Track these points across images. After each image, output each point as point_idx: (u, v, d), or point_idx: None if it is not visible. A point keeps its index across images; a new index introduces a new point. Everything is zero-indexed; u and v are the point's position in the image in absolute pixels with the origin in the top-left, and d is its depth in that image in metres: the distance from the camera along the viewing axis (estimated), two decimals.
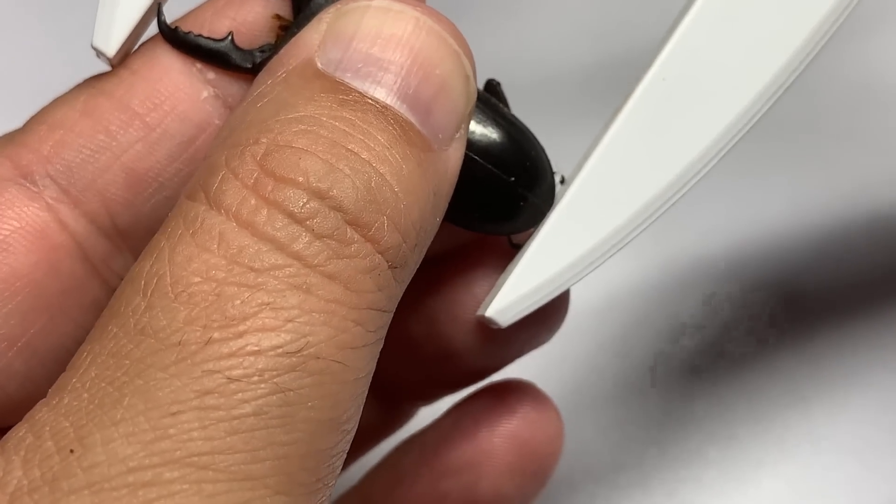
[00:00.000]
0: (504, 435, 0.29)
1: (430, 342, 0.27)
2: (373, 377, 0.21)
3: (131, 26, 0.24)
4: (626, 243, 0.24)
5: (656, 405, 0.39)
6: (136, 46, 0.24)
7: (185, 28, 0.24)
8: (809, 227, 0.41)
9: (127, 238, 0.24)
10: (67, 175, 0.23)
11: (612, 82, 0.25)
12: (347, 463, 0.24)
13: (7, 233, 0.23)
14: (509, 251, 0.26)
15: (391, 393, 0.30)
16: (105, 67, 0.24)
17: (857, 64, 0.43)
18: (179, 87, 0.24)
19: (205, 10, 0.24)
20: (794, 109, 0.37)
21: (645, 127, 0.24)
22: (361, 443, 0.31)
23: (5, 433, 0.21)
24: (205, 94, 0.24)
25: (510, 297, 0.24)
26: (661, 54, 0.24)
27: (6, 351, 0.23)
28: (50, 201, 0.23)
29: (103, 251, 0.24)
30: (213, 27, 0.24)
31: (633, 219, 0.24)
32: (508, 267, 0.25)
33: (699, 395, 0.39)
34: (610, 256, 0.24)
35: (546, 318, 0.27)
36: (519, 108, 0.26)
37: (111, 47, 0.24)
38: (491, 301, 0.24)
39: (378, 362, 0.21)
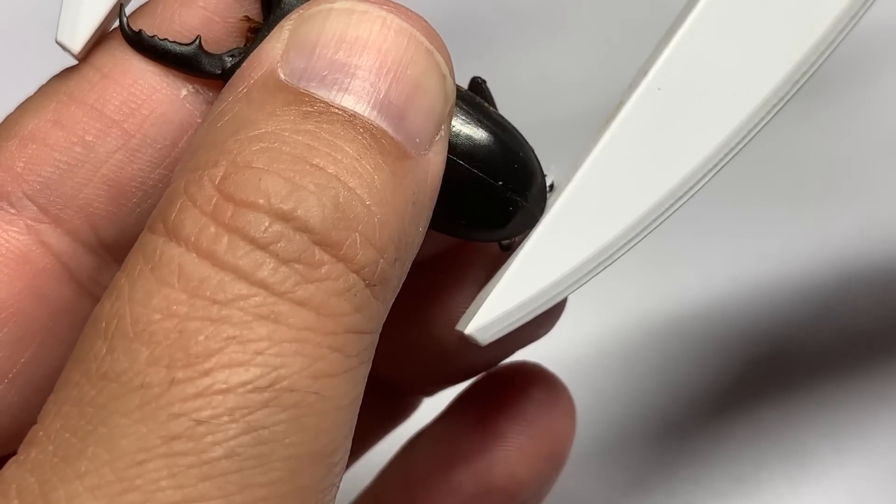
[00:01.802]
0: (516, 419, 0.28)
1: (424, 344, 0.27)
2: (371, 375, 0.20)
3: (98, 20, 0.23)
4: (615, 260, 0.23)
5: (656, 405, 0.38)
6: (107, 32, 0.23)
7: (153, 22, 0.23)
8: (820, 272, 0.40)
9: (114, 251, 0.23)
10: (45, 192, 0.23)
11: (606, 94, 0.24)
12: (352, 461, 0.24)
13: None
14: (501, 253, 0.24)
15: (391, 388, 0.29)
16: (71, 61, 0.23)
17: (862, 105, 0.42)
18: (156, 89, 0.23)
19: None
20: (810, 155, 0.37)
21: (639, 137, 0.23)
22: (366, 438, 0.30)
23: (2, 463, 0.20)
24: (184, 91, 0.23)
25: (491, 313, 0.23)
26: (657, 62, 0.23)
27: None
28: (29, 223, 0.23)
29: (90, 268, 0.23)
30: (184, 19, 0.23)
31: (625, 233, 0.22)
32: (491, 280, 0.23)
33: (699, 395, 0.38)
34: (598, 273, 0.22)
35: (539, 318, 0.25)
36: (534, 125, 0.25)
37: (77, 43, 0.23)
38: (472, 316, 0.23)
39: (374, 361, 0.20)
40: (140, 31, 0.23)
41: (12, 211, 0.23)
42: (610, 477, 0.37)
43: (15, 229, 0.23)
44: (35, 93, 0.23)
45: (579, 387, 0.29)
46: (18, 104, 0.23)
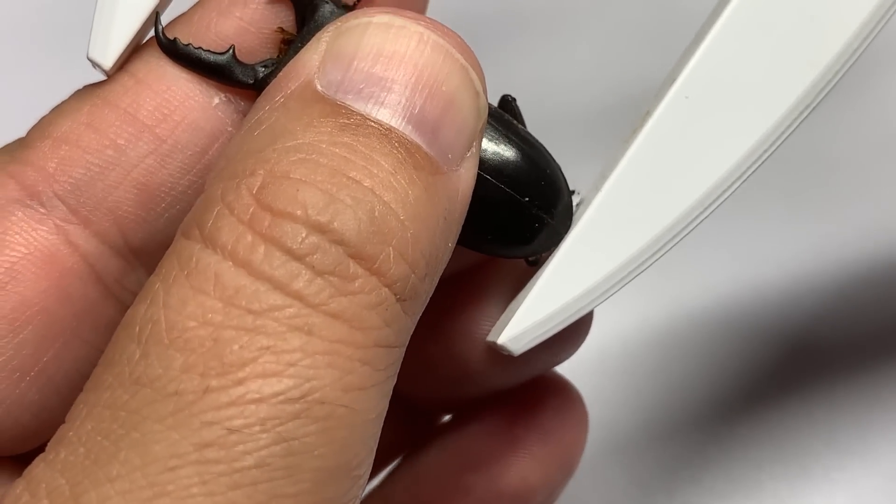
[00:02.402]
0: (530, 425, 0.28)
1: (446, 362, 0.26)
2: (393, 394, 0.20)
3: (129, 36, 0.23)
4: (646, 268, 0.23)
5: (656, 406, 0.38)
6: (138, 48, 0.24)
7: (189, 30, 0.23)
8: (820, 273, 0.40)
9: (140, 255, 0.24)
10: (76, 194, 0.23)
11: (620, 120, 0.24)
12: (371, 476, 0.24)
13: (15, 259, 0.23)
14: (526, 270, 0.24)
15: (411, 405, 0.29)
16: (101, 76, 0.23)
17: (862, 104, 0.42)
18: (189, 96, 0.23)
19: (209, 9, 0.23)
20: (811, 156, 0.37)
21: (667, 146, 0.23)
22: (385, 454, 0.30)
23: (23, 458, 0.20)
24: (216, 100, 0.23)
25: (524, 323, 0.23)
26: (684, 71, 0.23)
27: (19, 381, 0.23)
28: (59, 223, 0.23)
29: (116, 271, 0.23)
30: (220, 28, 0.23)
31: (652, 243, 0.23)
32: (522, 291, 0.24)
33: (699, 395, 0.38)
34: (629, 282, 0.23)
35: (567, 336, 0.25)
36: (536, 127, 0.25)
37: (108, 59, 0.23)
38: (504, 326, 0.23)
39: (401, 384, 0.20)
40: (175, 39, 0.23)
41: (42, 210, 0.23)
42: (610, 477, 0.37)
43: (44, 228, 0.23)
44: (70, 96, 0.23)
45: (580, 387, 0.29)
46: (53, 107, 0.24)
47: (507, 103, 0.24)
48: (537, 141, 0.24)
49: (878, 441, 0.37)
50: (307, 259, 0.19)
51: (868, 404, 0.38)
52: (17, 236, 0.23)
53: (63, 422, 0.19)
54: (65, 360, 0.23)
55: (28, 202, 0.23)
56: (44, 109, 0.24)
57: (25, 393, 0.23)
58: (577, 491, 0.36)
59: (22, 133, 0.24)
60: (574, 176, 0.25)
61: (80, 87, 0.24)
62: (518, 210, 0.23)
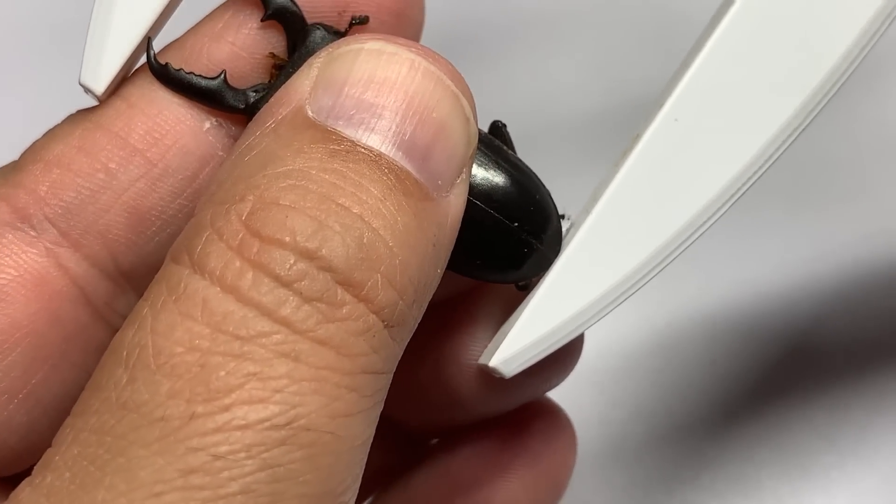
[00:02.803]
0: (518, 449, 0.28)
1: (436, 388, 0.26)
2: (382, 419, 0.20)
3: (121, 62, 0.23)
4: (637, 290, 0.23)
5: (656, 406, 0.38)
6: (130, 73, 0.24)
7: (181, 56, 0.23)
8: (819, 273, 0.40)
9: (130, 278, 0.24)
10: (66, 217, 0.23)
11: (626, 132, 0.24)
12: (357, 502, 0.24)
13: (5, 282, 0.23)
14: (516, 295, 0.24)
15: (400, 431, 0.29)
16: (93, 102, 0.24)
17: (870, 112, 0.42)
18: (180, 120, 0.23)
19: (202, 34, 0.24)
20: (811, 157, 0.37)
21: (657, 168, 0.23)
22: (372, 480, 0.30)
23: (11, 481, 0.20)
24: (207, 125, 0.23)
25: (515, 345, 0.23)
26: (673, 93, 0.23)
27: (7, 404, 0.23)
28: (49, 245, 0.23)
29: (106, 294, 0.23)
30: (212, 54, 0.23)
31: (644, 264, 0.23)
32: (514, 313, 0.24)
33: (699, 396, 0.38)
34: (620, 303, 0.23)
35: (558, 360, 0.25)
36: (531, 155, 0.25)
37: (100, 84, 0.23)
38: (495, 349, 0.23)
39: (386, 405, 0.20)
40: (167, 63, 0.23)
41: (33, 233, 0.23)
42: (610, 477, 0.37)
43: (34, 251, 0.23)
44: (63, 120, 0.24)
45: (579, 387, 0.29)
46: (46, 131, 0.24)
47: (498, 129, 0.25)
48: (527, 167, 0.24)
49: (877, 441, 0.37)
50: (295, 285, 0.19)
51: (868, 405, 0.38)
52: (7, 259, 0.23)
53: (50, 445, 0.19)
54: (53, 382, 0.23)
55: (19, 225, 0.23)
56: (38, 132, 0.24)
57: (13, 415, 0.23)
58: (577, 491, 0.36)
59: (16, 155, 0.24)
60: (568, 185, 0.25)
61: (74, 110, 0.24)
62: (507, 235, 0.23)
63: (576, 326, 0.23)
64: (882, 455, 0.37)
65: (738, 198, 0.23)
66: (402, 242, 0.20)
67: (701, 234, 0.23)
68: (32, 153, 0.23)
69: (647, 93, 0.24)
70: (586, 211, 0.23)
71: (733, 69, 0.23)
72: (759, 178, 0.23)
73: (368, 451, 0.20)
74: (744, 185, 0.23)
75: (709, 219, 0.23)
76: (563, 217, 0.24)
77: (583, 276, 0.23)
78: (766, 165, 0.23)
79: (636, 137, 0.23)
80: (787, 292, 0.40)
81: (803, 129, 0.23)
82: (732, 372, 0.39)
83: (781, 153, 0.23)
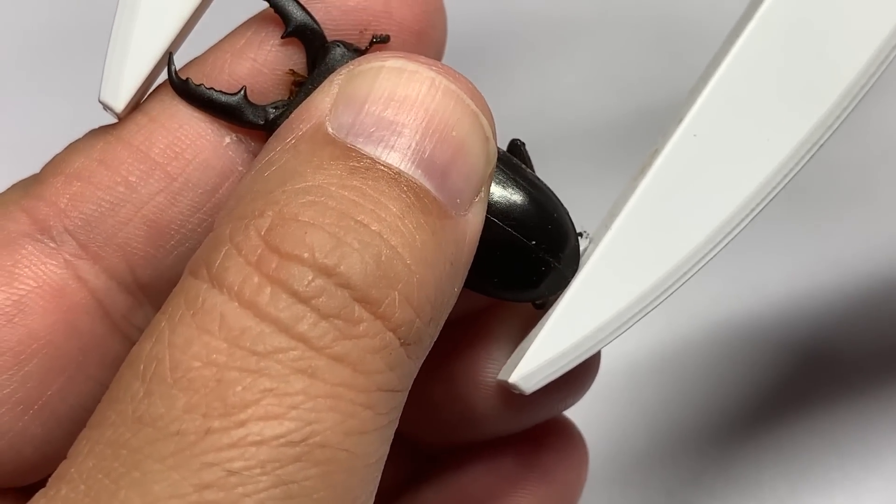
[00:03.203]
0: (530, 466, 0.28)
1: (451, 406, 0.26)
2: (395, 434, 0.20)
3: (141, 79, 0.23)
4: (657, 305, 0.23)
5: (656, 406, 0.38)
6: (151, 89, 0.24)
7: (202, 71, 0.23)
8: (835, 289, 0.40)
9: (149, 292, 0.24)
10: (86, 229, 0.23)
11: (635, 138, 0.24)
12: None
13: (24, 293, 0.23)
14: (533, 313, 0.24)
15: (413, 448, 0.29)
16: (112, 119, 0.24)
17: (879, 119, 0.42)
18: (201, 135, 0.23)
19: (223, 51, 0.24)
20: (819, 165, 0.36)
21: (675, 184, 0.23)
22: (384, 498, 0.30)
23: (26, 490, 0.20)
24: (227, 139, 0.23)
25: (535, 361, 0.23)
26: (692, 108, 0.23)
27: (22, 414, 0.23)
28: (68, 257, 0.23)
29: (124, 307, 0.24)
30: (233, 70, 0.23)
31: (664, 280, 0.23)
32: (533, 329, 0.24)
33: (699, 396, 0.38)
34: (640, 319, 0.23)
35: (574, 379, 0.25)
36: (540, 163, 0.25)
37: (120, 102, 0.23)
38: (515, 365, 0.23)
39: (402, 424, 0.20)
40: (187, 79, 0.23)
41: (52, 245, 0.23)
42: (610, 477, 0.37)
43: (53, 263, 0.23)
44: (85, 134, 0.24)
45: (588, 401, 0.29)
46: (68, 144, 0.24)
47: (516, 147, 0.25)
48: (545, 185, 0.24)
49: (878, 442, 0.37)
50: (313, 302, 0.19)
51: (868, 406, 0.38)
52: (26, 269, 0.23)
53: (65, 457, 0.19)
54: (69, 394, 0.23)
55: (38, 236, 0.23)
56: (60, 146, 0.24)
57: (28, 426, 0.23)
58: None
59: (37, 169, 0.24)
60: (580, 197, 0.25)
61: (97, 124, 0.24)
62: (524, 253, 0.23)
63: (596, 342, 0.23)
64: (882, 456, 0.37)
65: (758, 213, 0.23)
66: (420, 260, 0.20)
67: (720, 250, 0.23)
68: (53, 166, 0.23)
69: (657, 101, 0.24)
70: (605, 226, 0.23)
71: (752, 84, 0.23)
72: (778, 193, 0.23)
73: (383, 468, 0.20)
74: (763, 200, 0.23)
75: (728, 234, 0.23)
76: (581, 235, 0.24)
77: (603, 292, 0.23)
78: (786, 180, 0.23)
79: (654, 153, 0.23)
80: (788, 293, 0.40)
81: (823, 143, 0.23)
82: (732, 372, 0.38)
83: (801, 167, 0.23)
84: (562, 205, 0.24)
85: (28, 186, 0.23)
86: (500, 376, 0.24)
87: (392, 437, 0.20)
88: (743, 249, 0.25)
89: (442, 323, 0.21)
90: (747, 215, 0.23)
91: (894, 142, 0.42)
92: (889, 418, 0.37)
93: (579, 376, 0.26)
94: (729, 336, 0.39)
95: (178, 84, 0.23)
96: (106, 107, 0.23)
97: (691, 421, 0.38)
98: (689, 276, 0.23)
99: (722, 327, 0.39)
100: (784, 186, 0.23)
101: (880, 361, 0.38)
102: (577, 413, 0.29)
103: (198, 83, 0.23)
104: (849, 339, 0.39)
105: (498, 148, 0.22)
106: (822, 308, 0.39)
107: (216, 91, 0.23)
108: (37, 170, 0.24)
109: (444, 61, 0.22)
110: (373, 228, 0.19)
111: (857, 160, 0.42)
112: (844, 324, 0.39)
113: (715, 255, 0.23)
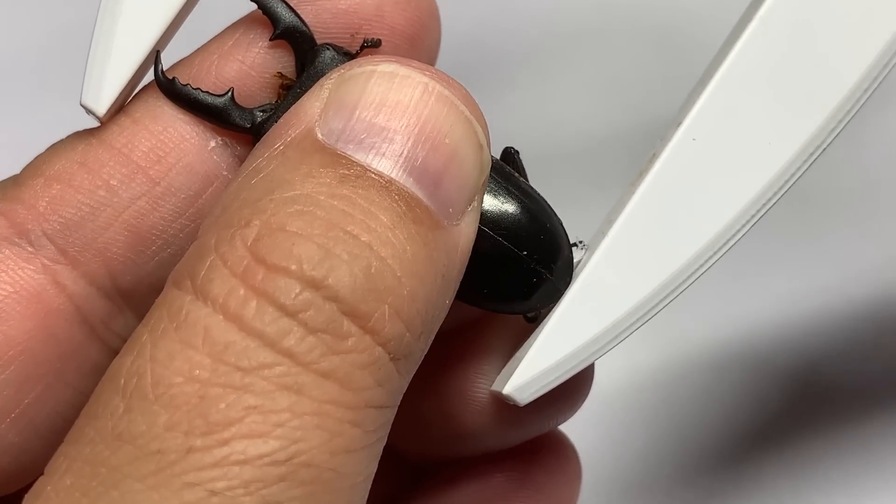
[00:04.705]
0: (522, 483, 0.27)
1: (441, 420, 0.26)
2: (386, 449, 0.20)
3: (124, 82, 0.22)
4: (655, 314, 0.22)
5: (656, 406, 0.38)
6: (135, 91, 0.23)
7: (189, 72, 0.23)
8: (837, 293, 0.40)
9: (129, 298, 0.23)
10: (65, 233, 0.22)
11: (632, 148, 0.24)
12: None
13: (0, 298, 0.22)
14: (524, 326, 0.24)
15: (402, 463, 0.28)
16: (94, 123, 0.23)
17: (878, 138, 0.42)
18: (185, 138, 0.23)
19: (211, 52, 0.23)
20: (817, 185, 0.38)
21: (674, 189, 0.22)
22: None
23: (4, 502, 0.20)
24: (212, 143, 0.23)
25: (530, 372, 0.22)
26: (690, 111, 0.22)
27: None
28: (46, 262, 0.22)
29: (103, 313, 0.23)
30: (221, 71, 0.23)
31: (662, 288, 0.22)
32: (528, 340, 0.23)
33: (699, 397, 0.38)
34: (636, 329, 0.22)
35: (567, 394, 0.25)
36: (536, 172, 0.24)
37: (102, 105, 0.22)
38: (509, 376, 0.22)
39: (390, 438, 0.20)
40: (174, 78, 0.22)
41: (30, 249, 0.22)
42: (610, 477, 0.37)
43: (31, 268, 0.22)
44: (66, 136, 0.23)
45: (581, 417, 0.28)
46: (49, 145, 0.23)
47: (510, 156, 0.24)
48: (539, 195, 0.24)
49: (877, 443, 0.37)
50: (300, 316, 0.18)
51: (868, 406, 0.38)
52: (3, 274, 0.22)
53: (42, 472, 0.18)
54: (47, 403, 0.23)
55: (16, 240, 0.22)
56: (41, 147, 0.23)
57: (5, 435, 0.22)
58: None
59: (17, 170, 0.23)
60: (575, 210, 0.25)
61: (76, 124, 0.23)
62: (516, 264, 0.23)
63: (593, 352, 0.22)
64: (882, 457, 0.37)
65: (758, 220, 0.22)
66: (411, 272, 0.19)
67: (720, 258, 0.22)
68: (33, 168, 0.23)
69: (655, 110, 0.24)
70: (602, 233, 0.23)
71: (751, 88, 0.22)
72: (779, 199, 0.22)
73: (370, 487, 0.19)
74: (763, 206, 0.22)
75: (727, 242, 0.22)
76: (576, 245, 0.24)
77: (600, 300, 0.22)
78: (787, 186, 0.22)
79: (653, 157, 0.23)
80: (787, 296, 0.40)
81: (824, 149, 0.22)
82: (731, 374, 0.39)
83: (802, 173, 0.22)
84: (556, 215, 0.24)
85: (6, 189, 0.23)
86: (494, 387, 0.23)
87: (380, 455, 0.19)
88: (742, 257, 0.25)
89: (433, 337, 0.20)
90: (747, 222, 0.22)
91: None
92: (889, 419, 0.38)
93: (572, 391, 0.25)
94: (729, 337, 0.39)
95: (165, 83, 0.23)
96: (88, 110, 0.23)
97: (691, 420, 0.38)
98: (687, 284, 0.22)
99: (719, 328, 0.39)
100: (785, 192, 0.22)
101: (880, 362, 0.39)
102: (578, 417, 0.29)
103: (184, 83, 0.22)
104: (849, 340, 0.39)
105: (492, 156, 0.22)
106: (823, 309, 0.39)
107: (203, 92, 0.22)
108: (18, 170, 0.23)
109: (437, 68, 0.22)
110: (362, 239, 0.19)
111: (858, 184, 0.42)
112: (845, 327, 0.39)
113: (714, 264, 0.22)
